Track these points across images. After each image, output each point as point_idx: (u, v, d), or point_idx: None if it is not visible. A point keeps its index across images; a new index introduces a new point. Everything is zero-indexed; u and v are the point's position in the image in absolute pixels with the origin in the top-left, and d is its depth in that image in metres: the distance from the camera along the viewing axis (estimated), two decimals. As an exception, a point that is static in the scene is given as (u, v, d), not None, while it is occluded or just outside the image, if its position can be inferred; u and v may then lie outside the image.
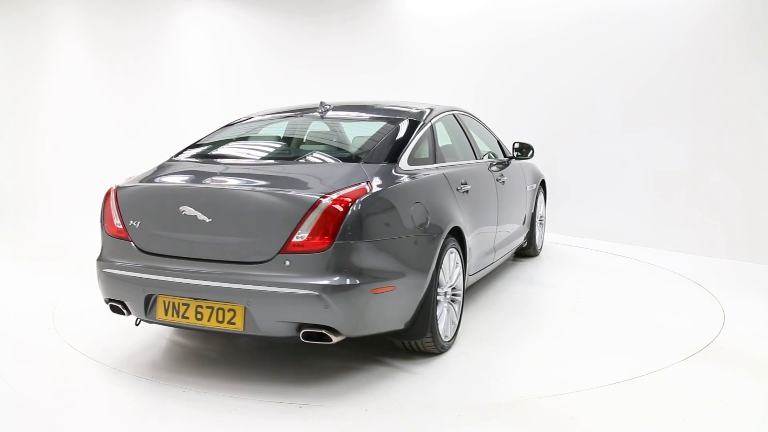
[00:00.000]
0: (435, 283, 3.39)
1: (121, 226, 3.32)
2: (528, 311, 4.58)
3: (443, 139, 4.32)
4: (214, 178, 3.33)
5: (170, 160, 3.79)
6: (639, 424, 2.86)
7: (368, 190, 3.07)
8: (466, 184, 4.02)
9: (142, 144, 8.44)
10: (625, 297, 4.91)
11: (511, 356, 3.65)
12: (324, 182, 3.11)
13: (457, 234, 3.76)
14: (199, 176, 3.39)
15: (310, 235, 2.91)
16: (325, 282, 2.88)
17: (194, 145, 3.95)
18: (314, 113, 4.15)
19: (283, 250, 2.94)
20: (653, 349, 3.78)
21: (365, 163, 3.36)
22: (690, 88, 6.50)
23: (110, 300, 3.39)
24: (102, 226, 3.44)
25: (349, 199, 2.95)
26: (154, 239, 3.23)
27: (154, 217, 3.25)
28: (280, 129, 4.29)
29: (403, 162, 3.51)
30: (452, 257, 3.65)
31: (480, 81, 8.18)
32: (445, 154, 4.19)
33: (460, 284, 3.78)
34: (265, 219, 3.01)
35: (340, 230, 2.89)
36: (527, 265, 5.80)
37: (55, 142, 8.53)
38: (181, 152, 3.88)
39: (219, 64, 9.03)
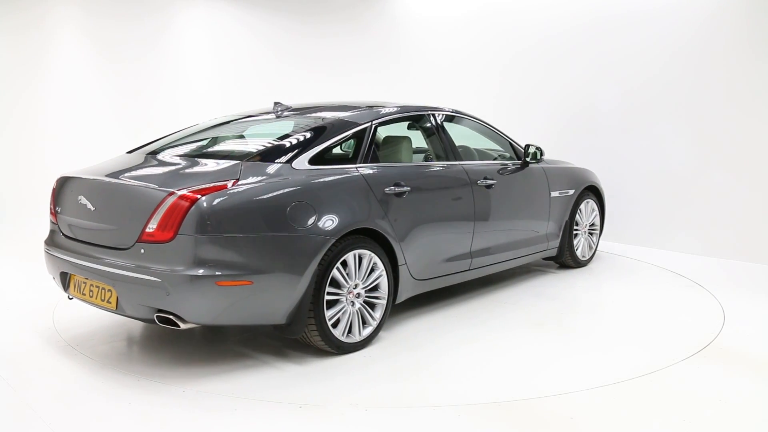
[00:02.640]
0: (322, 283, 3.44)
1: (53, 212, 3.84)
2: (485, 322, 4.25)
3: (401, 140, 4.32)
4: (111, 171, 3.66)
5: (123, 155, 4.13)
6: (639, 424, 2.86)
7: (227, 188, 3.23)
8: (400, 185, 3.94)
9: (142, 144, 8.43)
10: (625, 296, 4.91)
11: (422, 361, 3.59)
12: (191, 178, 3.38)
13: (383, 237, 3.77)
14: (102, 169, 3.72)
15: (158, 226, 3.17)
16: (167, 271, 3.12)
17: (147, 143, 4.25)
18: (270, 114, 4.34)
19: (140, 239, 3.23)
20: (653, 349, 3.78)
21: (250, 161, 3.51)
22: (691, 88, 6.49)
23: (51, 275, 3.86)
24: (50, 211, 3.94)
25: (196, 196, 3.14)
26: (67, 224, 3.70)
27: (66, 204, 3.71)
28: (218, 130, 4.32)
29: (301, 162, 3.58)
30: (366, 259, 3.68)
31: (479, 81, 8.18)
32: (388, 155, 4.24)
33: (383, 286, 3.79)
34: (129, 210, 3.33)
35: (183, 224, 3.11)
36: (557, 276, 5.60)
37: (54, 142, 8.52)
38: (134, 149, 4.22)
39: (219, 64, 9.03)
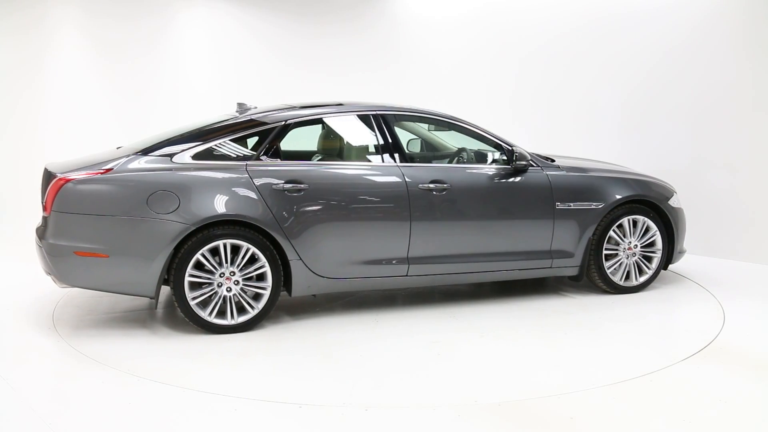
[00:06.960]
0: (181, 266, 3.85)
1: None
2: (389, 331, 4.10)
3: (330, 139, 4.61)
4: (68, 162, 4.13)
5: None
6: (639, 424, 2.86)
7: (97, 175, 3.82)
8: (297, 183, 4.07)
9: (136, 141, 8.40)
10: (625, 296, 4.91)
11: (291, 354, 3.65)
12: (87, 165, 3.91)
13: (268, 232, 3.98)
14: (70, 160, 4.16)
15: (46, 204, 3.88)
16: (44, 239, 3.85)
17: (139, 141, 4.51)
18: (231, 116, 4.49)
19: (44, 213, 3.93)
20: (653, 349, 3.79)
21: (138, 154, 3.97)
22: (691, 88, 6.49)
23: None
24: None
25: (67, 179, 3.79)
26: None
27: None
28: (184, 128, 4.37)
29: (182, 156, 3.99)
30: (243, 249, 3.94)
31: (478, 81, 8.18)
32: (300, 154, 4.68)
33: (267, 278, 4.00)
34: (45, 191, 3.97)
35: (54, 202, 3.80)
36: (568, 300, 5.17)
37: (54, 142, 8.52)
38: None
39: (219, 64, 9.03)
